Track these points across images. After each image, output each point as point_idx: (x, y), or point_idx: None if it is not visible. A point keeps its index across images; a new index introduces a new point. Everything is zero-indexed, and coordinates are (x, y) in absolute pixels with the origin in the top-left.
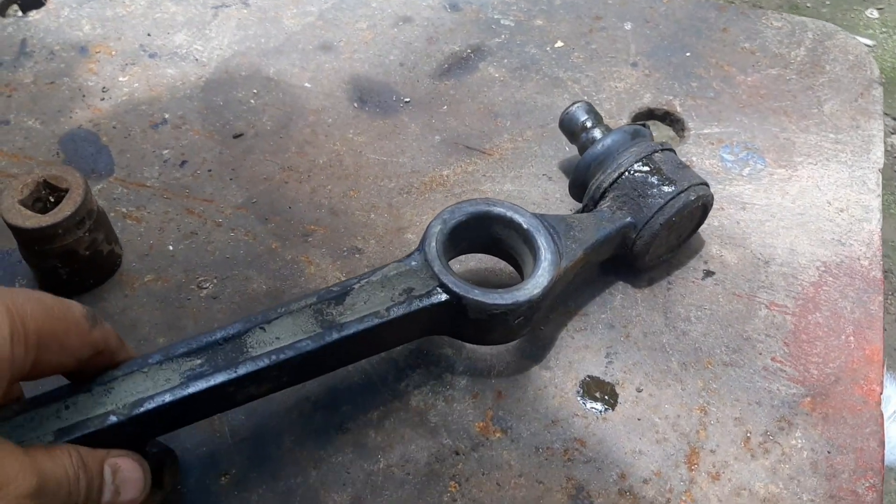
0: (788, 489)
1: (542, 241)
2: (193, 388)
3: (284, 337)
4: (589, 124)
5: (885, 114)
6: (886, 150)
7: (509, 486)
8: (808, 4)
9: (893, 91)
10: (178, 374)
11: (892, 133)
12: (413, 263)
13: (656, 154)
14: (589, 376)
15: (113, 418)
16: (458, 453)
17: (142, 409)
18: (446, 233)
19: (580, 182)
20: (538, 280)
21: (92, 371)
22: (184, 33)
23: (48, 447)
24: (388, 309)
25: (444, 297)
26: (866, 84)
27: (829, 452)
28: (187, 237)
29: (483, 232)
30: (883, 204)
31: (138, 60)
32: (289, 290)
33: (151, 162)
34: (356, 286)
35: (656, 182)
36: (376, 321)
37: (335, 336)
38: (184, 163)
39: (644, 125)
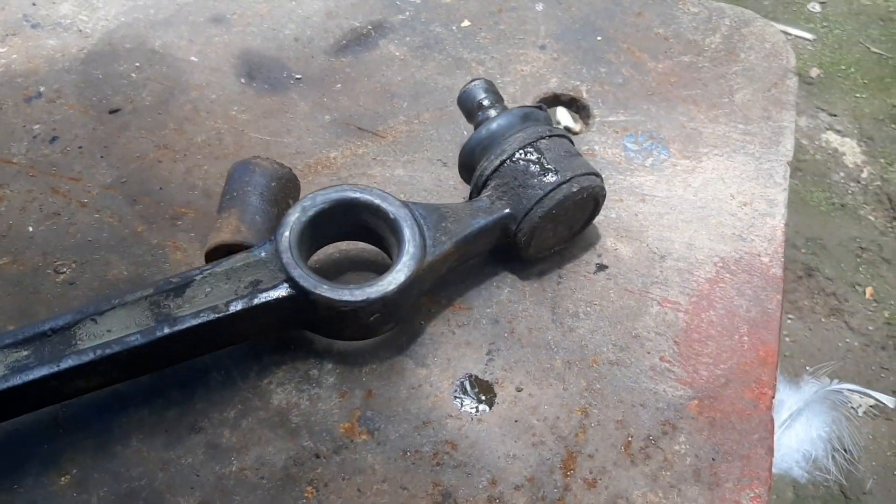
0: (668, 499)
1: (408, 233)
2: (15, 381)
3: (116, 329)
4: (486, 103)
5: (820, 108)
6: (821, 147)
7: (371, 492)
8: None
9: (831, 86)
10: (2, 366)
11: (829, 129)
12: (262, 254)
13: (542, 141)
14: (468, 374)
15: None
16: (318, 456)
17: None
18: (304, 221)
19: (468, 166)
20: (395, 276)
21: None
22: (70, 3)
23: None
24: (227, 303)
25: (290, 291)
26: (781, 73)
27: (713, 459)
28: (49, 218)
29: (351, 219)
30: (813, 200)
31: (20, 31)
32: (151, 277)
33: (20, 137)
34: (198, 277)
35: (538, 171)
36: (213, 315)
37: (167, 331)
38: (54, 139)
39: (541, 107)
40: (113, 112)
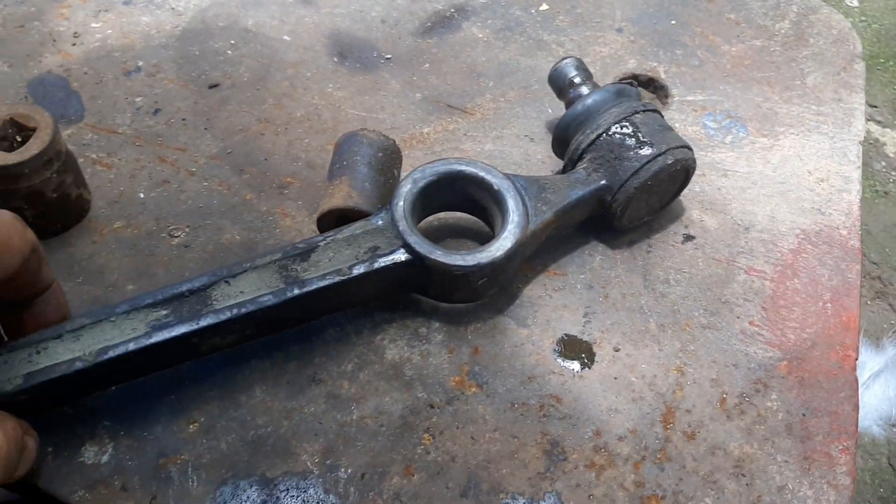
0: (763, 450)
1: (511, 203)
2: (157, 338)
3: (248, 291)
4: (577, 80)
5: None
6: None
7: (484, 439)
8: None
9: (871, 78)
10: (144, 324)
11: (869, 119)
12: (379, 222)
13: (637, 115)
14: (566, 335)
15: (79, 364)
16: (432, 406)
17: (106, 356)
18: (415, 192)
19: (562, 140)
20: (502, 243)
21: (12, 296)
22: None
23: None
24: (350, 267)
25: (407, 256)
26: (849, 59)
27: (803, 415)
28: (159, 185)
29: (456, 191)
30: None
31: (112, 7)
32: (263, 242)
33: (123, 109)
34: (321, 243)
35: (633, 144)
36: (338, 278)
37: (296, 292)
38: (157, 111)
39: (632, 84)
40: (212, 87)
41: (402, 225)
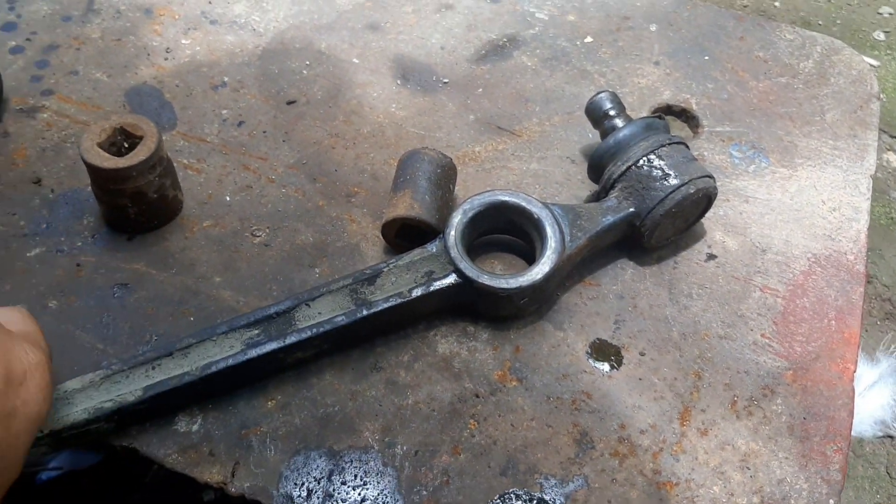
0: (767, 447)
1: (549, 231)
2: (251, 354)
3: (325, 312)
4: (612, 113)
5: (883, 131)
6: (882, 165)
7: (522, 427)
8: (820, 22)
9: (893, 110)
10: (240, 342)
11: (889, 149)
12: (434, 249)
13: (663, 148)
14: (598, 339)
15: (188, 377)
16: (478, 396)
17: (211, 371)
18: (465, 222)
19: (596, 168)
20: (541, 267)
21: None
22: (243, 4)
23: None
24: (410, 290)
25: (458, 280)
26: (866, 98)
27: (804, 418)
28: (243, 190)
29: (500, 218)
30: (874, 214)
31: (200, 26)
32: (333, 244)
33: (211, 120)
34: (385, 269)
35: (660, 175)
36: (400, 300)
37: (365, 312)
38: (241, 123)
39: (661, 117)
40: (290, 103)
41: (454, 252)
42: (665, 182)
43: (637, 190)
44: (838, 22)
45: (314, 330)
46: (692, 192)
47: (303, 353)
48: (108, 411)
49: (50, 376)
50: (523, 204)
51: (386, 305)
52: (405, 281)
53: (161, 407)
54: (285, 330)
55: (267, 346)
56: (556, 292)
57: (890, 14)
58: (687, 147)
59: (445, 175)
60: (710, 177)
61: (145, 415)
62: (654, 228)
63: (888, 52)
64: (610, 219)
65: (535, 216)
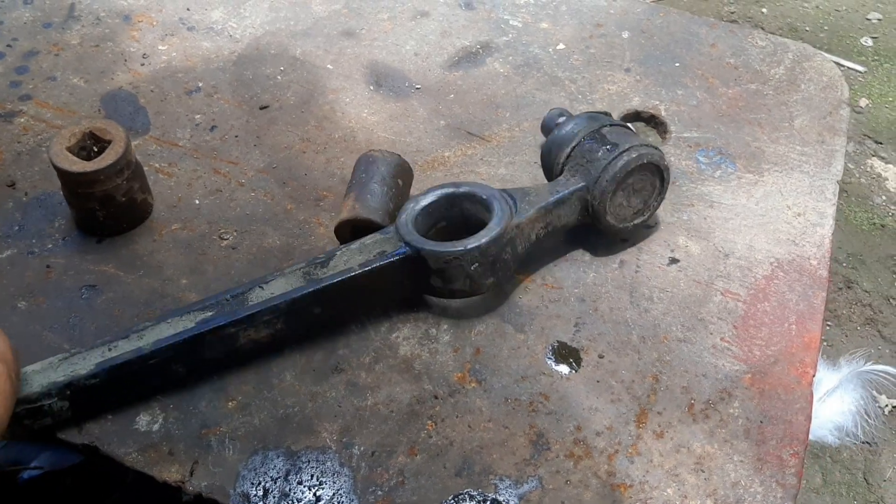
0: (722, 450)
1: (497, 205)
2: (203, 328)
3: (277, 291)
4: (561, 122)
5: (867, 136)
6: (866, 171)
7: (479, 428)
8: (807, 28)
9: (878, 115)
10: (194, 322)
11: (874, 155)
12: (388, 234)
13: (605, 128)
14: (558, 341)
15: (141, 351)
16: (436, 397)
17: (163, 344)
18: (417, 210)
19: (547, 166)
20: (488, 231)
21: None
22: (220, 10)
23: None
24: (360, 265)
25: (405, 249)
26: (836, 104)
27: (761, 422)
28: (213, 193)
29: (455, 209)
30: (856, 220)
31: (177, 32)
32: (300, 247)
33: (184, 124)
34: (338, 252)
35: (603, 148)
36: (349, 274)
37: (314, 287)
38: (213, 127)
39: (607, 113)
40: (263, 108)
41: (404, 229)
42: (609, 152)
43: (582, 165)
44: (825, 28)
45: (264, 305)
46: (634, 156)
47: (256, 333)
48: (61, 385)
49: (10, 386)
50: (473, 189)
51: (336, 279)
52: (356, 260)
53: (117, 390)
54: (237, 308)
55: (218, 321)
56: (519, 296)
57: (878, 20)
58: (631, 129)
59: (397, 174)
60: (656, 148)
61: (101, 396)
62: (604, 199)
63: (875, 58)
64: (559, 193)
65: (485, 196)
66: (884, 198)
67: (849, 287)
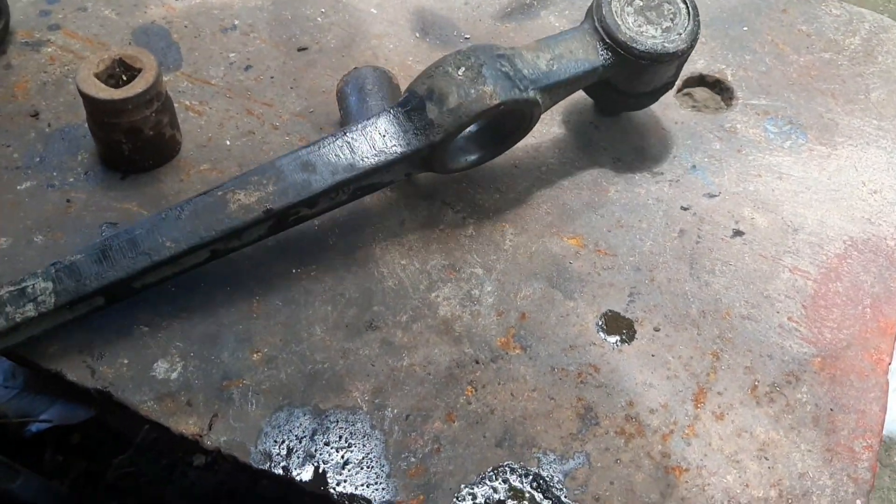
0: (788, 438)
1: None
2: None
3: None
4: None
5: None
6: None
7: (522, 397)
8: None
9: None
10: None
11: None
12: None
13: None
14: (610, 311)
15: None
16: (477, 362)
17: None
18: None
19: None
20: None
21: None
22: None
23: None
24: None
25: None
26: None
27: (831, 410)
28: (245, 135)
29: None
30: None
31: None
32: None
33: (218, 63)
34: None
35: None
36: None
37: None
38: (248, 67)
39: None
40: (301, 50)
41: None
42: None
43: None
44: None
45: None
46: None
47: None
48: (46, 267)
49: None
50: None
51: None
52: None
53: (110, 272)
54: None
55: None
56: (569, 261)
57: None
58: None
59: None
60: None
61: (90, 281)
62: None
63: None
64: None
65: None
66: None
67: None
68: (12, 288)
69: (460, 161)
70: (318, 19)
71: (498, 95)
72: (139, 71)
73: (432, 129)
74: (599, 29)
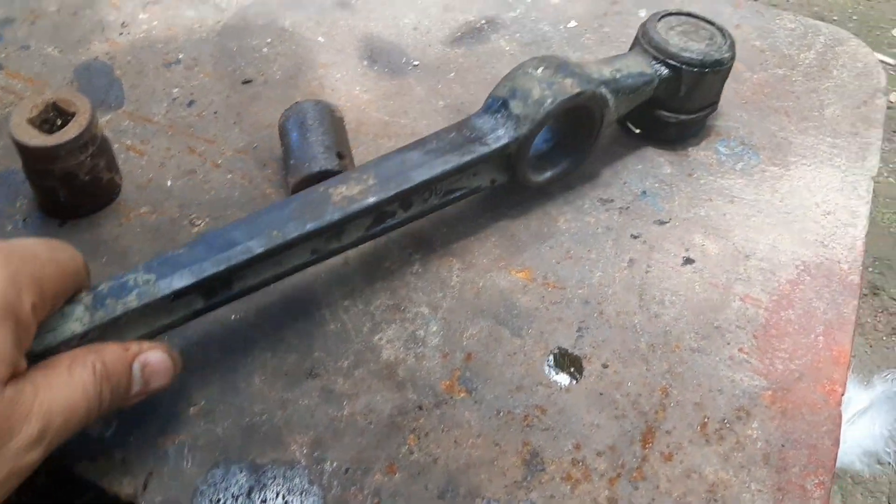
0: (738, 477)
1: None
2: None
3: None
4: None
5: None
6: (893, 170)
7: (467, 444)
8: (835, 18)
9: None
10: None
11: None
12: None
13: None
14: (559, 347)
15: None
16: (421, 408)
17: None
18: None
19: None
20: None
21: None
22: None
23: (70, 363)
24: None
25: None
26: (871, 92)
27: (783, 446)
28: (186, 174)
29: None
30: (884, 221)
31: (160, 0)
32: None
33: (160, 99)
34: None
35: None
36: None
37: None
38: (192, 102)
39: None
40: (246, 83)
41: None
42: None
43: None
44: (854, 18)
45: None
46: None
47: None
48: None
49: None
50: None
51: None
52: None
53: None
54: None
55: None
56: (516, 296)
57: None
58: None
59: (316, 121)
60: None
61: None
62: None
63: None
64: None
65: None
66: None
67: (875, 293)
68: (112, 282)
69: (540, 176)
70: (265, 50)
71: (577, 85)
72: (73, 115)
73: (519, 123)
74: (650, 49)
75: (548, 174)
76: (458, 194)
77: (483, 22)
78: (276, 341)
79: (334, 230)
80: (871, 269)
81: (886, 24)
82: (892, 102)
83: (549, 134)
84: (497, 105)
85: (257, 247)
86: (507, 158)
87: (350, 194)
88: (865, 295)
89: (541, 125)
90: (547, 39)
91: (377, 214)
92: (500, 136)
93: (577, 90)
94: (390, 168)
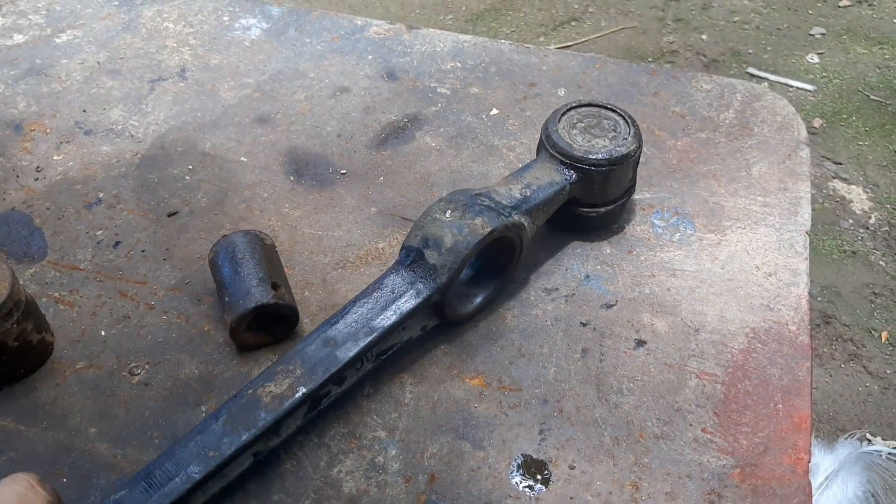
0: None
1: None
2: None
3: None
4: None
5: (825, 157)
6: (828, 195)
7: None
8: (751, 51)
9: (834, 135)
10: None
11: (834, 177)
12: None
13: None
14: (523, 454)
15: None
16: None
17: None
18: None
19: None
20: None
21: None
22: (119, 109)
23: None
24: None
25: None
26: (794, 145)
27: None
28: (120, 321)
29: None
30: (825, 249)
31: (73, 138)
32: (221, 375)
33: (85, 244)
34: None
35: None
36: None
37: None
38: (117, 243)
39: None
40: (171, 215)
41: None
42: None
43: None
44: (769, 49)
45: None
46: None
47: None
48: None
49: None
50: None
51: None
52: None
53: None
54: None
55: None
56: (473, 405)
57: (822, 34)
58: None
59: (246, 252)
60: None
61: None
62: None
63: (823, 74)
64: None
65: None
66: (851, 221)
67: (827, 322)
68: None
69: (469, 306)
70: (187, 178)
71: (488, 224)
72: None
73: (437, 273)
74: (555, 154)
75: (478, 300)
76: (391, 352)
77: (406, 120)
78: (233, 489)
79: (271, 431)
80: (819, 299)
81: (800, 50)
82: (815, 128)
83: (472, 263)
84: (412, 257)
85: (196, 473)
86: (433, 306)
87: (279, 392)
88: (818, 325)
89: (459, 271)
90: (472, 130)
91: (312, 401)
92: (420, 290)
93: (488, 229)
94: (315, 352)
